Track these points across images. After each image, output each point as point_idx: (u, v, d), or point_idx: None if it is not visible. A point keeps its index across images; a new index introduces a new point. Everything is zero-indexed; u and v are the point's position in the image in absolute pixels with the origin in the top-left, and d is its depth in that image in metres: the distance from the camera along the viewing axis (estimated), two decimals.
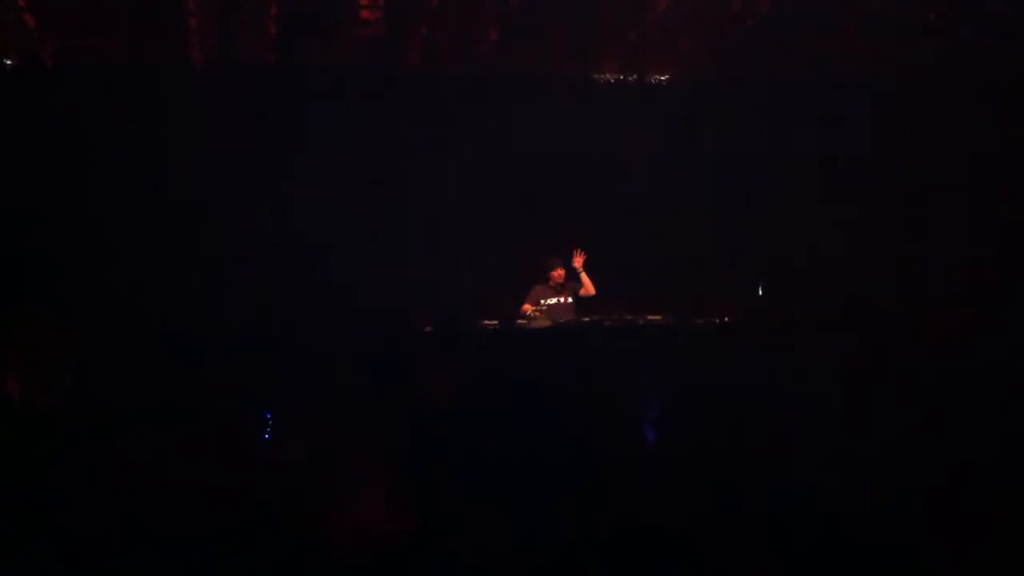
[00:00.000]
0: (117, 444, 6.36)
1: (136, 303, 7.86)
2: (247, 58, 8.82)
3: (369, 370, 7.01)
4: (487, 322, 7.89)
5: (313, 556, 4.83)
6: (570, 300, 8.70)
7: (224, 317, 7.90)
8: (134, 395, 7.03)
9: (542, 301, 8.63)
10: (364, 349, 7.39)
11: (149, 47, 8.45)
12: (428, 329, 7.45)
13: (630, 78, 9.66)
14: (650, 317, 7.70)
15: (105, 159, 8.44)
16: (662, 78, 9.75)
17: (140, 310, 7.72)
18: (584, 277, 8.76)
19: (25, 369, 7.58)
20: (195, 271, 8.55)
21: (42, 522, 5.69)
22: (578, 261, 8.78)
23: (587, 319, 7.88)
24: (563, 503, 4.97)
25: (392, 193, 9.26)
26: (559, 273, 8.71)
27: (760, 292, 8.97)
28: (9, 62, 8.47)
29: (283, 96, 8.92)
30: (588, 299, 8.71)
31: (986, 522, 5.42)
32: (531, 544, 4.64)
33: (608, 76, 9.64)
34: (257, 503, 5.32)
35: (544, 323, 8.29)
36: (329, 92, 8.98)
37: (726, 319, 7.57)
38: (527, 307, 8.60)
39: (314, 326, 8.09)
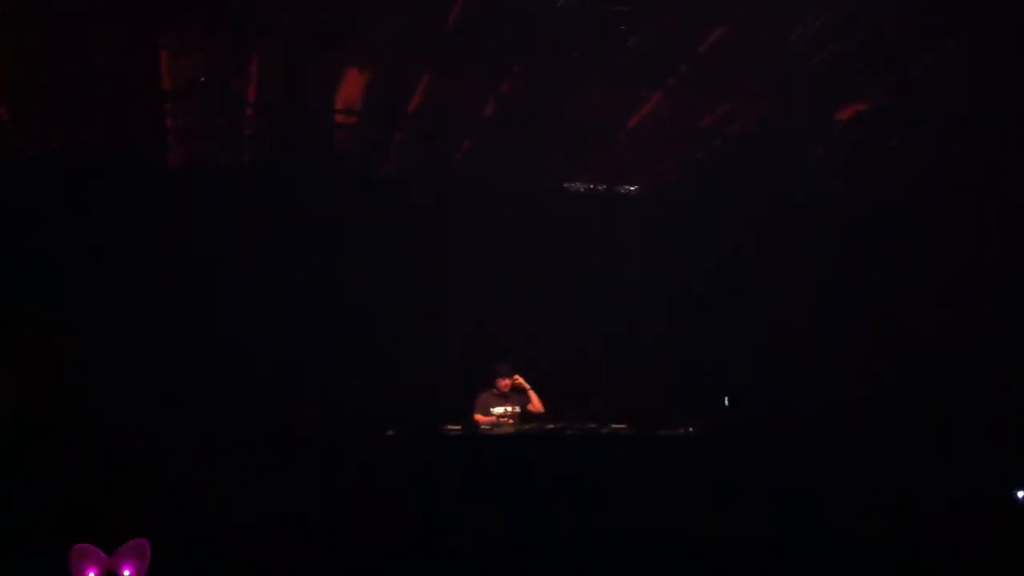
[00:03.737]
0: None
1: None
2: (221, 159, 8.93)
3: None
4: (450, 427, 7.81)
5: None
6: (517, 409, 8.56)
7: None
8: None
9: (492, 409, 8.52)
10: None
11: (126, 144, 8.55)
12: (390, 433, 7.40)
13: (600, 188, 9.82)
14: (614, 426, 7.66)
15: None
16: (631, 188, 9.91)
17: None
18: (532, 394, 8.62)
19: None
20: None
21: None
22: (517, 379, 8.68)
23: (551, 426, 7.81)
24: None
25: (353, 293, 9.31)
26: (505, 383, 8.59)
27: (726, 403, 8.96)
28: None
29: (254, 197, 9.02)
30: (535, 415, 8.59)
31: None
32: None
33: (579, 185, 9.79)
34: None
35: (507, 430, 8.20)
36: (299, 193, 9.11)
37: (690, 429, 7.56)
38: (479, 417, 8.47)
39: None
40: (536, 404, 8.55)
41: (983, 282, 7.84)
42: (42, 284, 8.42)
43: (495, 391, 8.58)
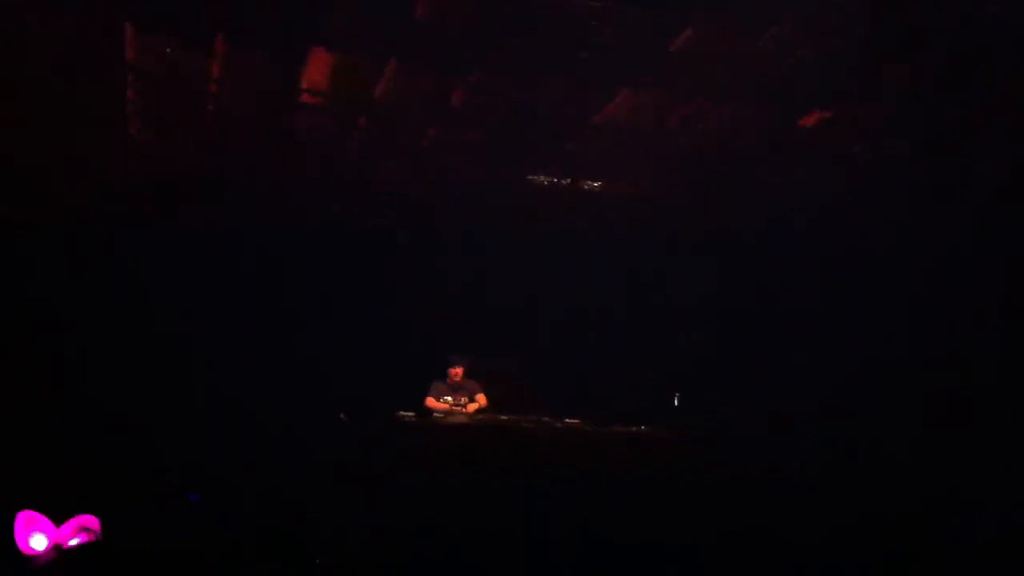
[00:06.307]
0: None
1: None
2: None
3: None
4: (403, 413, 7.82)
5: None
6: (466, 399, 8.66)
7: None
8: None
9: (444, 398, 8.61)
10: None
11: None
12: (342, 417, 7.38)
13: (563, 181, 9.77)
14: (568, 420, 7.70)
15: None
16: (595, 184, 9.87)
17: None
18: (480, 386, 8.86)
19: None
20: None
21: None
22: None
23: (504, 418, 7.86)
24: None
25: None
26: (457, 372, 8.73)
27: (676, 401, 9.03)
28: None
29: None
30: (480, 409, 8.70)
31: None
32: None
33: (542, 179, 9.74)
34: None
35: (461, 419, 8.23)
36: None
37: (642, 427, 7.61)
38: (431, 401, 8.57)
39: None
40: (482, 398, 8.70)
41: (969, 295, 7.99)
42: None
43: (447, 381, 8.70)
